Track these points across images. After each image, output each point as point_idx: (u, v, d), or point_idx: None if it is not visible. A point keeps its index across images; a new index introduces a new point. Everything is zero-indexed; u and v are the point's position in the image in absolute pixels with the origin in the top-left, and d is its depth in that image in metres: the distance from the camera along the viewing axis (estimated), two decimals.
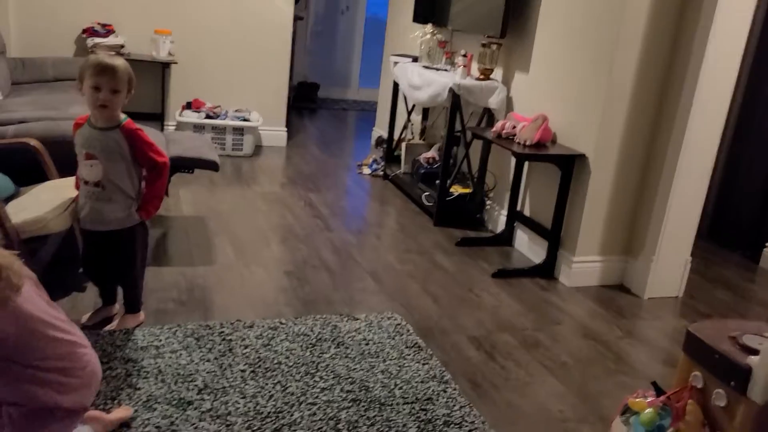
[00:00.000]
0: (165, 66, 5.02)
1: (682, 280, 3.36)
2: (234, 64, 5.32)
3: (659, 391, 1.81)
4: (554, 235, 3.38)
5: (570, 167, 3.29)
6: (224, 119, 5.09)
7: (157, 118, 5.10)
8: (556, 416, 2.23)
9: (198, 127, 4.98)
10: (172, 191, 3.87)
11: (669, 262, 3.28)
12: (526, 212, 3.74)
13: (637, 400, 1.82)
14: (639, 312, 3.15)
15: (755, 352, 1.62)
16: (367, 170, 5.14)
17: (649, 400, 1.79)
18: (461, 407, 2.16)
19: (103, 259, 2.40)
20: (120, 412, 1.92)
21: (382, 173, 5.04)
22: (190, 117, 5.01)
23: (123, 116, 2.25)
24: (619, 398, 1.87)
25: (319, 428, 1.99)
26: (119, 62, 2.16)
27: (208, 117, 5.05)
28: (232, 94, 5.36)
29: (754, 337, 1.70)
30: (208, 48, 5.23)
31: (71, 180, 2.43)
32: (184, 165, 3.16)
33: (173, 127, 5.09)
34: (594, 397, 2.37)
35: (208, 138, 4.63)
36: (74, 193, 2.38)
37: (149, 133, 2.43)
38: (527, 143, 3.34)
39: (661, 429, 1.72)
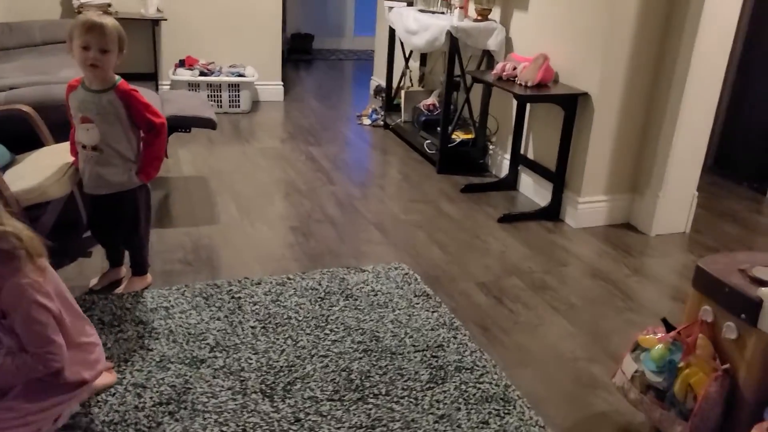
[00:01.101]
0: (154, 23, 4.91)
1: (689, 216, 3.34)
2: (225, 18, 5.20)
3: (669, 327, 1.81)
4: (559, 177, 3.35)
5: (573, 107, 3.23)
6: (219, 76, 5.01)
7: (151, 78, 5.02)
8: (567, 356, 2.24)
9: (193, 85, 4.91)
10: (171, 151, 3.84)
11: (675, 198, 3.25)
12: (530, 155, 3.69)
13: (648, 336, 1.81)
14: (646, 249, 3.14)
15: (766, 283, 1.61)
16: (367, 121, 5.07)
17: (660, 336, 1.79)
18: (472, 352, 2.17)
19: (108, 222, 2.39)
20: (104, 378, 1.92)
21: (382, 123, 4.97)
22: (184, 75, 4.92)
23: (117, 77, 2.21)
24: (629, 336, 1.87)
25: (332, 379, 2.00)
26: (108, 20, 2.11)
27: (202, 74, 4.96)
28: (225, 50, 5.25)
29: (765, 269, 1.69)
30: (198, 2, 5.10)
31: (67, 145, 2.40)
32: (181, 124, 3.11)
33: (167, 86, 5.01)
34: (604, 335, 2.38)
35: (203, 96, 4.57)
36: (71, 158, 2.35)
37: (144, 93, 2.38)
38: (528, 84, 3.27)
39: (671, 364, 1.72)
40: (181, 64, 5.05)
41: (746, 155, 4.18)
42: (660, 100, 3.18)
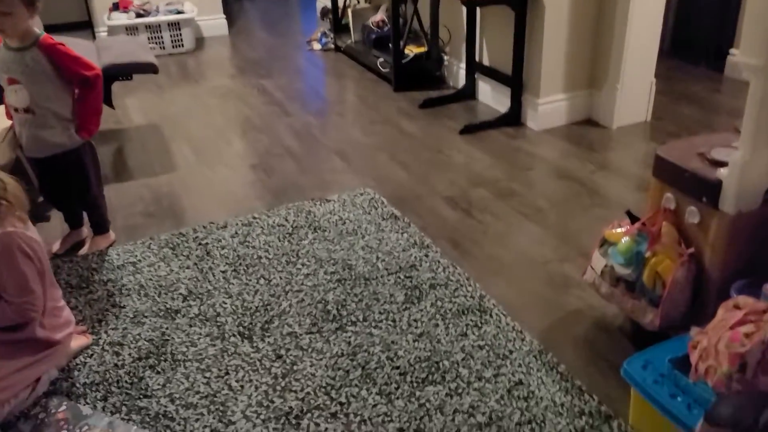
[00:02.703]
0: None
1: (649, 104, 3.32)
2: None
3: (634, 219, 1.82)
4: (516, 81, 3.29)
5: (523, 6, 3.13)
6: (156, 16, 4.76)
7: (86, 26, 4.77)
8: (538, 260, 2.26)
9: (131, 29, 4.67)
10: (118, 102, 3.69)
11: (634, 88, 3.22)
12: (486, 62, 3.61)
13: (613, 231, 1.83)
14: (609, 143, 3.14)
15: (724, 164, 1.61)
16: (317, 45, 4.91)
17: (625, 229, 1.80)
18: (444, 268, 2.18)
19: (57, 185, 2.30)
20: (80, 341, 1.91)
21: (333, 46, 4.82)
22: (120, 19, 4.68)
23: (39, 32, 2.06)
24: (598, 232, 1.88)
25: (308, 313, 2.01)
26: None
27: (138, 16, 4.72)
28: None
29: (723, 150, 1.69)
30: None
31: (1, 109, 2.28)
32: (121, 72, 2.98)
33: (105, 33, 4.77)
34: (573, 235, 2.40)
35: (142, 39, 4.36)
36: (7, 122, 2.24)
37: (74, 44, 2.25)
38: None
39: (638, 255, 1.74)
40: (116, 7, 4.79)
41: (702, 35, 4.13)
42: None
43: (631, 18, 3.03)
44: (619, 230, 1.81)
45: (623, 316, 1.91)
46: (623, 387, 1.62)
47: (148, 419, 1.65)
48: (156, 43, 4.73)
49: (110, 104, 3.20)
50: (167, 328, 1.97)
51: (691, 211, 1.68)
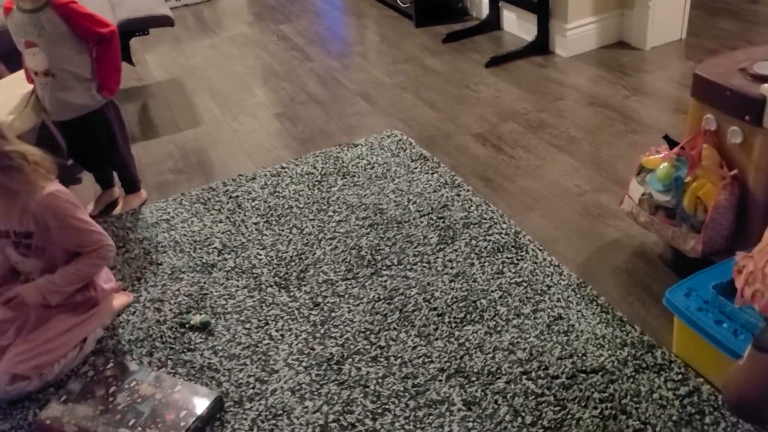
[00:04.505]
0: None
1: (684, 20, 3.16)
2: None
3: (672, 143, 1.74)
4: (542, 6, 3.15)
5: None
6: None
7: None
8: (573, 191, 2.21)
9: None
10: (138, 58, 3.66)
11: (667, 4, 3.05)
12: None
13: (651, 157, 1.76)
14: (643, 65, 3.00)
15: None
16: None
17: (663, 154, 1.73)
18: (477, 206, 2.15)
19: (84, 147, 2.31)
20: (121, 299, 1.94)
21: None
22: None
23: None
24: (635, 160, 1.82)
25: (343, 260, 2.00)
26: None
27: None
28: None
29: (766, 63, 1.59)
30: None
31: (22, 74, 2.27)
32: (137, 27, 2.93)
33: None
34: (608, 163, 2.33)
35: None
36: (29, 86, 2.23)
37: (87, 1, 2.20)
38: None
39: (678, 180, 1.68)
40: None
41: None
42: None
43: None
44: (656, 156, 1.75)
45: (663, 244, 1.86)
46: (666, 316, 1.59)
47: (193, 372, 1.68)
48: None
49: (130, 61, 3.17)
50: (205, 283, 1.99)
51: (733, 131, 1.60)
